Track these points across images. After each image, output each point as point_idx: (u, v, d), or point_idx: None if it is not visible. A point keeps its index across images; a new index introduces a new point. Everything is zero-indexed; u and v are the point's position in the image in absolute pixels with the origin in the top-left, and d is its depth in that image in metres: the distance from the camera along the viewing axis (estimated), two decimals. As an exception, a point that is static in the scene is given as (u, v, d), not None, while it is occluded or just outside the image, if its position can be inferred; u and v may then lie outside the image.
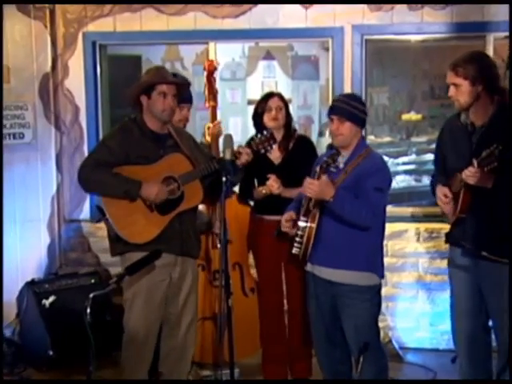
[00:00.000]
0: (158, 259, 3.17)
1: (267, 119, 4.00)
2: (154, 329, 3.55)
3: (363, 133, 4.62)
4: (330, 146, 3.46)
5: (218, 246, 3.87)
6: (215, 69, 4.17)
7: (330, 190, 3.09)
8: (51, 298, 4.43)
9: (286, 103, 4.07)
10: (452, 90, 3.27)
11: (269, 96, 4.07)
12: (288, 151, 4.02)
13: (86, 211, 5.08)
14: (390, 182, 3.36)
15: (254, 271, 4.26)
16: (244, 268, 4.16)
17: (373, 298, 3.30)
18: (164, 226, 3.42)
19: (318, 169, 3.17)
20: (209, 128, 4.13)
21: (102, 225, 4.98)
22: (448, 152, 3.43)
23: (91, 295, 2.72)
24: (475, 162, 3.04)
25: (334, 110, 3.31)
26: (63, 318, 4.34)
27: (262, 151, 3.59)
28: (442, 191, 3.35)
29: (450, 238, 3.50)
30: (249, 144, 3.61)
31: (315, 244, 3.24)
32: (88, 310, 2.69)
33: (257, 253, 4.14)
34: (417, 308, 4.75)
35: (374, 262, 3.30)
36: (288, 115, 4.07)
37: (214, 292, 4.02)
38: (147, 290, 3.46)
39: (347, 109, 3.25)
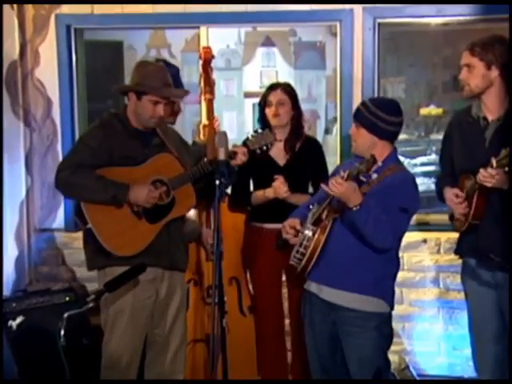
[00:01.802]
0: (144, 273, 3.19)
1: (268, 115, 4.02)
2: (137, 353, 3.55)
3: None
4: None
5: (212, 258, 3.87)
6: (212, 57, 4.19)
7: (357, 196, 3.05)
8: (19, 319, 4.41)
9: (292, 96, 4.07)
10: (464, 73, 3.33)
11: (271, 88, 4.09)
12: (294, 152, 4.02)
13: (59, 219, 5.07)
14: (418, 205, 3.33)
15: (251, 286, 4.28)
16: (242, 283, 4.17)
17: (380, 327, 3.25)
18: (154, 236, 3.44)
19: (345, 174, 3.06)
20: (204, 126, 4.13)
21: (79, 235, 5.00)
22: (457, 150, 3.45)
23: (66, 315, 2.72)
24: (494, 162, 3.04)
25: (354, 113, 3.32)
26: (33, 341, 4.32)
27: (258, 151, 3.62)
28: (452, 191, 3.36)
29: (461, 248, 3.51)
30: (244, 143, 3.64)
31: (319, 259, 3.23)
32: (62, 332, 2.69)
33: (253, 267, 4.14)
34: (438, 329, 4.75)
35: (384, 288, 3.28)
36: (296, 110, 4.07)
37: (206, 310, 4.02)
38: (132, 308, 3.47)
39: (365, 116, 3.23)
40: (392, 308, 3.33)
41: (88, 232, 3.41)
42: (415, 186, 3.32)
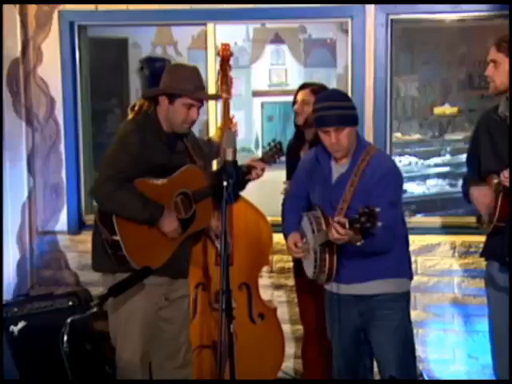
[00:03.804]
0: (153, 278, 3.23)
1: (295, 113, 4.11)
2: (148, 359, 3.58)
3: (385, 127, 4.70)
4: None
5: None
6: (231, 54, 4.22)
7: (359, 237, 3.08)
8: (21, 324, 4.43)
9: None
10: (490, 69, 3.34)
11: (300, 88, 4.17)
12: None
13: (62, 221, 5.07)
14: (402, 184, 3.42)
15: (262, 292, 4.29)
16: (252, 290, 4.17)
17: (406, 307, 3.41)
18: (172, 251, 3.48)
19: (345, 222, 2.98)
20: (220, 128, 4.14)
21: (82, 237, 5.02)
22: (484, 150, 3.45)
23: (69, 320, 2.73)
24: None
25: (327, 121, 3.25)
26: (35, 347, 4.33)
27: (272, 164, 3.74)
28: (480, 190, 3.37)
29: (486, 251, 3.51)
30: (262, 158, 3.74)
31: (339, 262, 3.27)
32: (65, 338, 2.69)
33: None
34: (452, 336, 4.73)
35: (406, 267, 3.43)
36: None
37: (214, 316, 4.02)
38: (143, 313, 3.50)
39: (342, 113, 3.23)
40: (411, 278, 3.47)
41: (113, 241, 3.38)
42: (393, 167, 3.36)
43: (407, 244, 3.46)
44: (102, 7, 4.90)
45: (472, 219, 3.74)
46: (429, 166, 6.54)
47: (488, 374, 4.45)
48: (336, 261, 3.25)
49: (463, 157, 6.29)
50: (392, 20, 4.68)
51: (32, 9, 4.95)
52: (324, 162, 3.38)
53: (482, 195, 3.36)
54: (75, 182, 5.07)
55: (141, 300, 3.45)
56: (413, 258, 3.42)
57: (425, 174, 6.46)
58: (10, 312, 4.47)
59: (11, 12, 4.86)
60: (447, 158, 6.59)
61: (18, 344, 4.38)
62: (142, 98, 3.66)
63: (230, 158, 3.28)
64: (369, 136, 4.55)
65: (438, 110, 6.70)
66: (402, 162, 6.36)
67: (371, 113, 4.65)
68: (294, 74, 7.11)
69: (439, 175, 6.52)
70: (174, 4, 4.78)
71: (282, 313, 4.72)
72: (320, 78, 7.06)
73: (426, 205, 6.08)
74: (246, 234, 4.08)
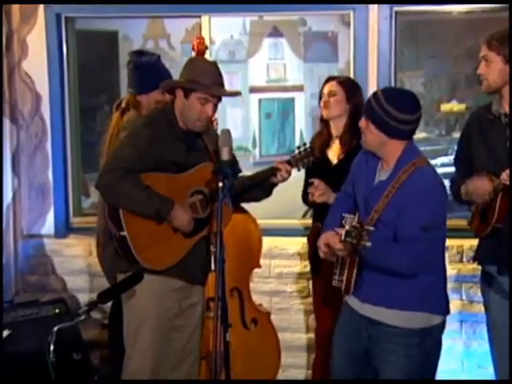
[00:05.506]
0: (168, 283, 3.33)
1: (321, 108, 4.10)
2: (159, 368, 3.58)
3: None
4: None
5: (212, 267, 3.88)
6: (206, 48, 4.27)
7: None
8: (5, 333, 4.42)
9: (347, 89, 4.08)
10: (482, 67, 3.41)
11: (327, 80, 4.16)
12: (350, 149, 3.98)
13: (49, 224, 5.08)
14: (442, 205, 3.18)
15: (256, 297, 4.28)
16: (244, 294, 4.18)
17: (422, 344, 3.19)
18: (186, 252, 3.49)
19: (342, 234, 2.95)
20: None
21: (69, 241, 5.03)
22: (476, 149, 3.49)
23: (55, 328, 2.72)
24: None
25: (364, 105, 3.25)
26: (20, 357, 4.32)
27: (300, 169, 3.72)
28: (481, 183, 3.35)
29: (481, 254, 3.53)
30: (288, 160, 3.69)
31: (359, 277, 3.20)
32: (51, 348, 2.69)
33: (316, 266, 4.18)
34: (460, 345, 4.74)
35: (431, 300, 3.20)
36: (352, 104, 4.06)
37: (207, 325, 4.01)
38: (156, 319, 3.51)
39: (376, 111, 3.13)
40: (447, 313, 3.26)
41: (120, 237, 3.41)
42: (432, 187, 3.16)
43: (441, 274, 3.27)
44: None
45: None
46: (435, 165, 6.50)
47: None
48: (356, 273, 3.18)
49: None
50: (396, 12, 4.71)
51: (17, -1, 4.96)
52: (372, 164, 3.28)
53: (481, 186, 3.36)
54: (62, 183, 5.08)
55: (153, 305, 3.48)
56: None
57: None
58: (-7, 320, 4.47)
59: (-6, 3, 4.87)
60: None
61: (2, 354, 4.37)
62: (130, 94, 3.70)
63: (225, 157, 3.27)
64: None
65: (444, 107, 6.70)
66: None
67: (375, 110, 4.65)
68: (293, 69, 7.11)
69: (446, 175, 6.46)
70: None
71: (281, 320, 4.73)
72: (320, 73, 7.07)
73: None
74: (235, 236, 4.04)
